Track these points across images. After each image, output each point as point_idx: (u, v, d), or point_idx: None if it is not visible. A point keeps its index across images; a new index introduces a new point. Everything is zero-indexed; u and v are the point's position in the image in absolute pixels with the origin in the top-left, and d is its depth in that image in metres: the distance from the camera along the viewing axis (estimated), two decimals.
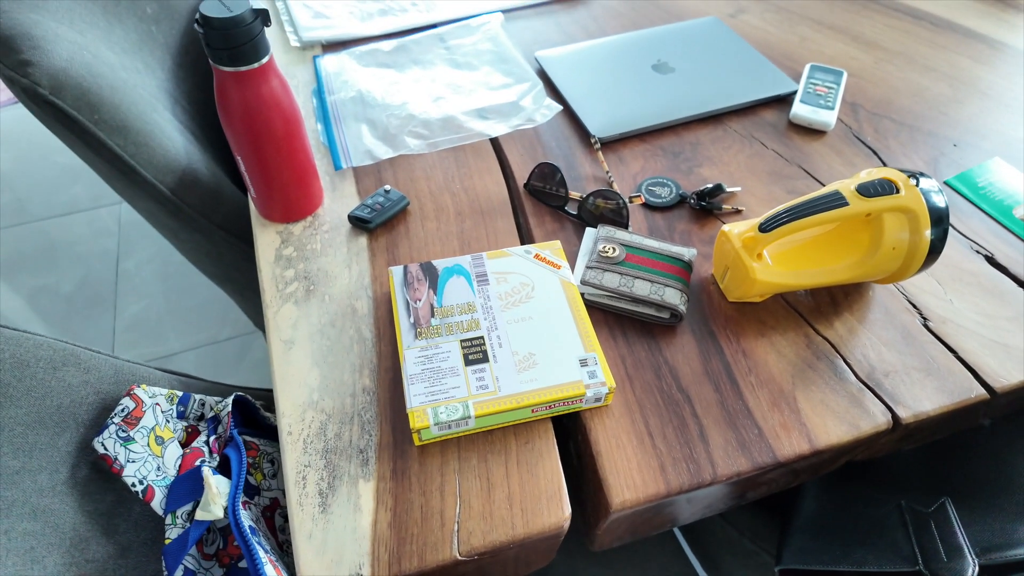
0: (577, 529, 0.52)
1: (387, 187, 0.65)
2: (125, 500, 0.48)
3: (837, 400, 0.52)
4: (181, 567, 0.41)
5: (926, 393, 0.53)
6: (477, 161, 0.72)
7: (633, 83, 0.78)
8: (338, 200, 0.67)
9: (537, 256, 0.58)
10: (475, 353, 0.51)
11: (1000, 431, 0.59)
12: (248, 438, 0.53)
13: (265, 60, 0.53)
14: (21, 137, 1.98)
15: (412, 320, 0.53)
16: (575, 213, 0.65)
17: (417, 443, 0.49)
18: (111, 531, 0.46)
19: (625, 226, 0.63)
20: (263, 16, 0.51)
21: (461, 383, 0.49)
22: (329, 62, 0.82)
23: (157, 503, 0.44)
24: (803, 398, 0.52)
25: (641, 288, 0.56)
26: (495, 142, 0.74)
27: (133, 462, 0.44)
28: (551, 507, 0.46)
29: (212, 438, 0.50)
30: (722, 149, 0.73)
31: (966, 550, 0.49)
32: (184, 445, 0.49)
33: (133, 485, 0.44)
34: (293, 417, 0.51)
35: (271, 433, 0.57)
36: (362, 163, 0.69)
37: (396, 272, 0.57)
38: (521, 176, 0.70)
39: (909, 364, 0.55)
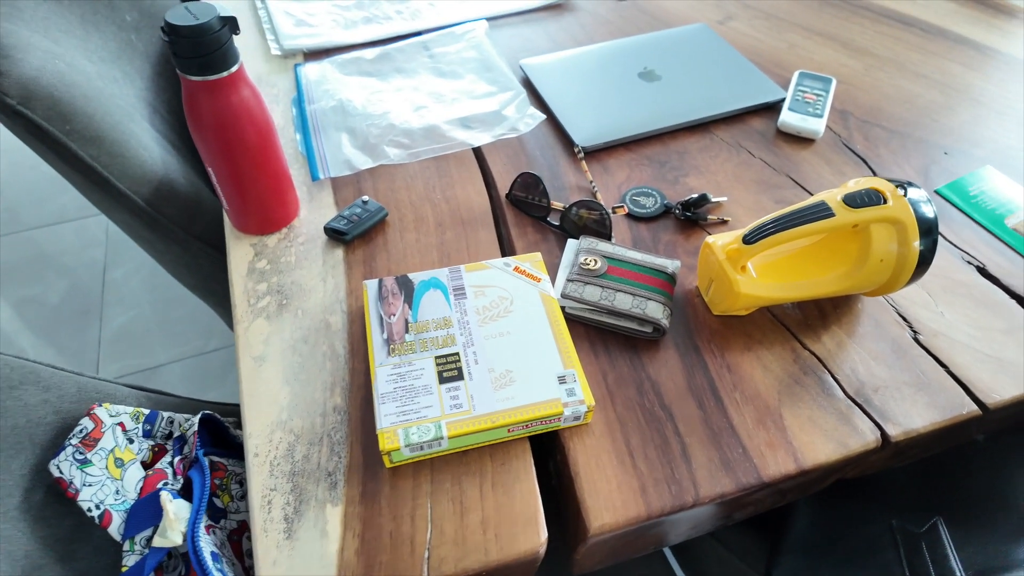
0: (559, 551, 0.50)
1: (365, 198, 0.64)
2: (85, 525, 0.46)
3: (825, 417, 0.51)
4: None
5: (916, 409, 0.51)
6: (459, 171, 0.70)
7: (619, 91, 0.77)
8: (315, 211, 0.65)
9: (517, 269, 0.57)
10: (450, 370, 0.49)
11: (995, 447, 0.57)
12: (216, 458, 0.52)
13: (234, 69, 0.51)
14: (10, 146, 1.96)
15: (385, 336, 0.51)
16: (558, 224, 0.63)
17: (388, 465, 0.47)
18: (68, 557, 0.44)
19: (608, 237, 0.61)
20: (231, 24, 0.50)
21: (434, 402, 0.48)
22: (311, 70, 0.81)
23: (115, 528, 0.42)
24: (790, 415, 0.51)
25: (623, 302, 0.54)
26: (478, 152, 0.73)
27: (90, 486, 0.42)
28: (527, 531, 0.45)
29: (177, 459, 0.48)
30: (709, 158, 0.71)
31: (958, 573, 0.47)
32: (149, 465, 0.47)
33: (89, 510, 0.42)
34: (260, 438, 0.49)
35: (242, 452, 0.56)
36: (340, 173, 0.68)
37: (370, 286, 0.55)
38: (504, 186, 0.68)
39: (899, 379, 0.53)
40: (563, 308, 0.56)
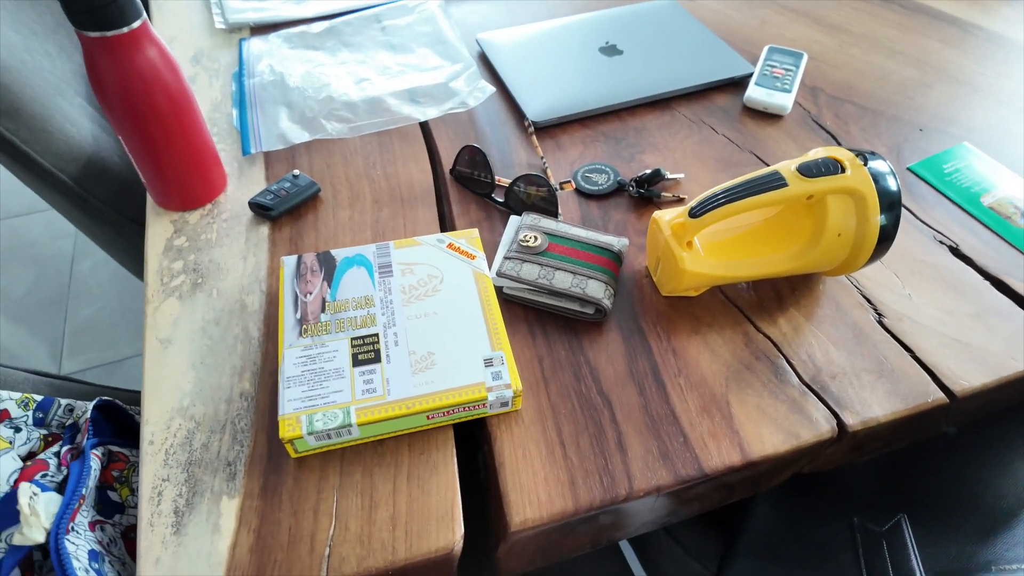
0: (486, 551, 0.46)
1: (296, 172, 0.60)
2: None
3: (776, 405, 0.46)
4: None
5: (876, 397, 0.47)
6: (403, 147, 0.66)
7: (577, 66, 0.73)
8: (243, 187, 0.61)
9: (451, 246, 0.53)
10: (366, 352, 0.45)
11: (964, 442, 0.53)
12: (117, 448, 0.47)
13: (136, 25, 0.47)
14: None
15: (299, 315, 0.47)
16: (502, 201, 0.59)
17: (293, 455, 0.43)
18: None
19: (555, 215, 0.57)
20: None
21: (345, 386, 0.43)
22: (255, 45, 0.77)
23: None
24: (737, 402, 0.47)
25: (562, 280, 0.50)
26: (424, 127, 0.69)
27: None
28: (441, 528, 0.40)
29: (65, 448, 0.44)
30: (669, 135, 0.67)
31: (918, 574, 0.43)
32: (31, 457, 0.43)
33: None
34: (158, 425, 0.45)
35: None
36: (274, 147, 0.64)
37: (288, 262, 0.51)
38: (448, 162, 0.64)
39: (859, 365, 0.49)
40: (500, 288, 0.52)
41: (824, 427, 0.45)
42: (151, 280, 0.53)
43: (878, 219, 0.47)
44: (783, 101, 0.69)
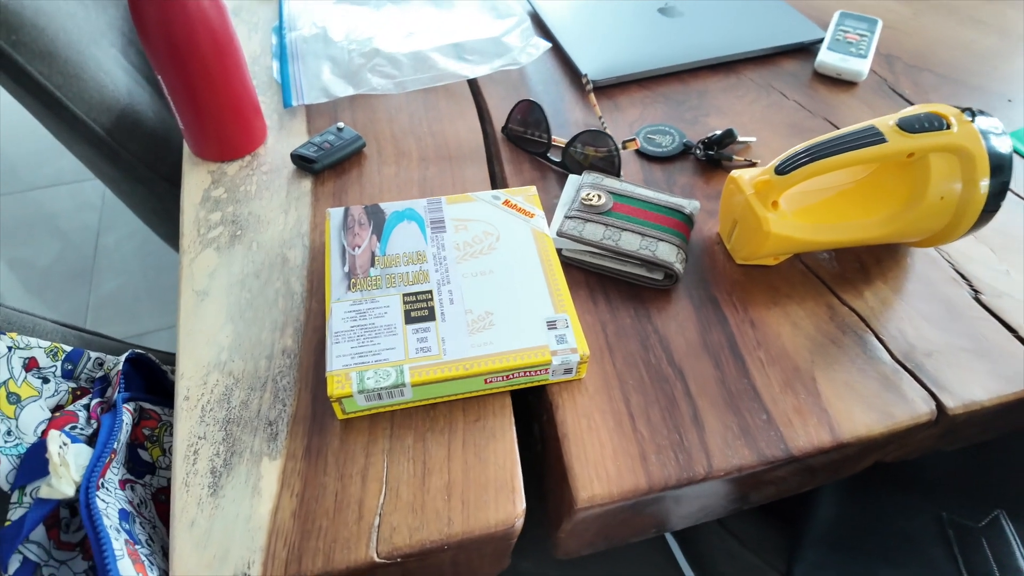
0: (540, 531, 0.42)
1: (340, 124, 0.56)
2: None
3: (866, 383, 0.42)
4: (18, 557, 0.32)
5: (977, 379, 0.42)
6: (450, 104, 0.62)
7: (635, 26, 0.69)
8: (284, 140, 0.58)
9: (507, 203, 0.49)
10: (419, 309, 0.42)
11: None
12: (149, 406, 0.44)
13: None
14: (11, 106, 1.92)
15: (347, 269, 0.44)
16: (558, 161, 0.55)
17: (340, 416, 0.39)
18: None
19: (617, 177, 0.53)
20: None
21: (398, 343, 0.40)
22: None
23: (2, 475, 0.35)
24: (824, 379, 0.42)
25: (629, 242, 0.46)
26: (473, 84, 0.65)
27: None
28: (500, 500, 0.37)
29: (95, 401, 0.41)
30: (734, 98, 0.63)
31: None
32: (57, 409, 0.40)
33: None
34: (194, 380, 0.41)
35: None
36: (316, 100, 0.60)
37: (334, 214, 0.47)
38: (499, 121, 0.60)
39: (956, 344, 0.44)
40: (559, 250, 0.48)
41: (922, 408, 0.41)
42: (187, 231, 0.50)
43: (986, 183, 0.43)
44: (858, 67, 0.64)
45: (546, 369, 0.40)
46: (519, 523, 0.37)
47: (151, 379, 0.47)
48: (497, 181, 0.56)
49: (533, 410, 0.44)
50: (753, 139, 0.58)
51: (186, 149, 0.57)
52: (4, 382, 0.37)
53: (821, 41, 0.68)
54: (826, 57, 0.65)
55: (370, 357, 0.39)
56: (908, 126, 0.43)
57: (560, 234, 0.47)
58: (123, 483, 0.39)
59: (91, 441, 0.38)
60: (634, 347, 0.44)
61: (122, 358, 0.43)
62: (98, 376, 0.44)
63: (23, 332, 0.43)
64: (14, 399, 0.37)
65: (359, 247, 0.45)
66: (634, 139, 0.53)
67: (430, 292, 0.43)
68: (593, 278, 0.48)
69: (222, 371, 0.42)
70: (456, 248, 0.46)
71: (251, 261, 0.48)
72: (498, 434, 0.40)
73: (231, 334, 0.44)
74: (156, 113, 0.72)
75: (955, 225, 0.45)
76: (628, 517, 0.41)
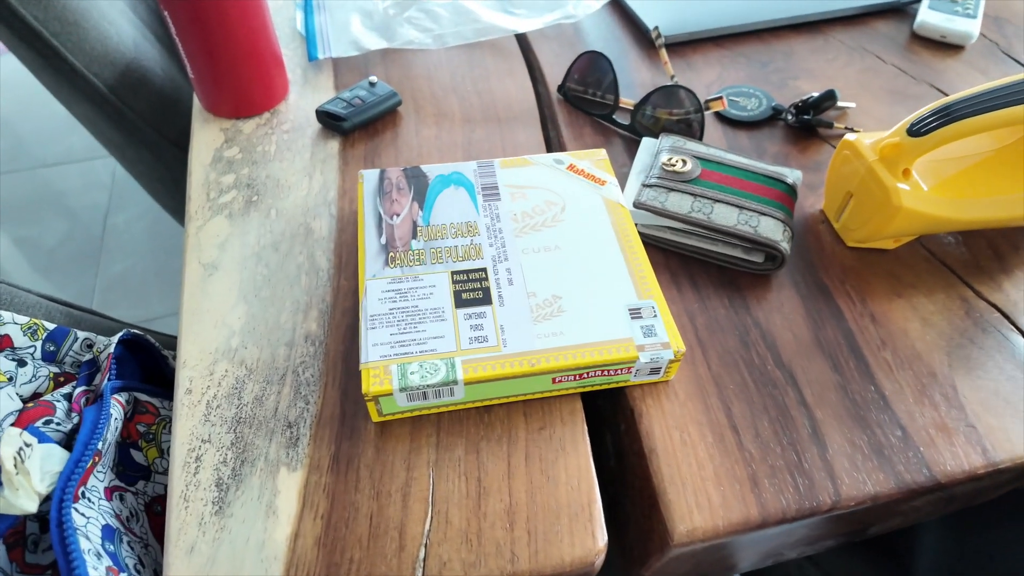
0: (615, 564, 0.35)
1: (372, 78, 0.49)
2: None
3: (1019, 393, 0.34)
4: None
5: None
6: (497, 61, 0.55)
7: None
8: (308, 96, 0.50)
9: (572, 168, 0.41)
10: (472, 291, 0.34)
11: None
12: (145, 397, 0.37)
13: None
14: (22, 81, 1.87)
15: (384, 241, 0.36)
16: (627, 124, 0.47)
17: (375, 418, 0.32)
18: None
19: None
20: None
21: (448, 331, 0.32)
22: None
23: None
24: (968, 387, 0.34)
25: (724, 215, 0.38)
26: (522, 40, 0.57)
27: None
28: (575, 531, 0.29)
29: (79, 390, 0.34)
30: (824, 61, 0.54)
31: None
32: (36, 399, 0.33)
33: None
34: (198, 369, 0.34)
35: None
36: (345, 54, 0.53)
37: (368, 176, 0.40)
38: (554, 79, 0.52)
39: None
40: (635, 225, 0.40)
41: None
42: (195, 194, 0.43)
43: None
44: (967, 27, 0.55)
45: (629, 368, 0.32)
46: (599, 561, 0.29)
47: (150, 365, 0.40)
48: (553, 147, 0.49)
49: (605, 416, 0.37)
50: (852, 105, 0.49)
51: (196, 104, 0.49)
52: None
53: (918, 1, 0.59)
54: (928, 17, 0.56)
55: (414, 347, 0.32)
56: None
57: (637, 205, 0.39)
58: (111, 491, 0.32)
59: (70, 441, 0.31)
60: (732, 343, 0.36)
61: (115, 339, 0.36)
62: (85, 360, 0.37)
63: (8, 308, 0.37)
64: None
65: (398, 215, 0.38)
66: (720, 97, 0.45)
67: (484, 270, 0.35)
68: (675, 259, 0.40)
69: (232, 360, 0.35)
70: (513, 219, 0.38)
71: (269, 231, 0.41)
72: (569, 446, 0.32)
73: (244, 315, 0.36)
74: (165, 71, 0.65)
75: None
76: (727, 554, 0.33)
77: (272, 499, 0.30)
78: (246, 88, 0.47)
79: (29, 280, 1.39)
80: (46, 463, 0.27)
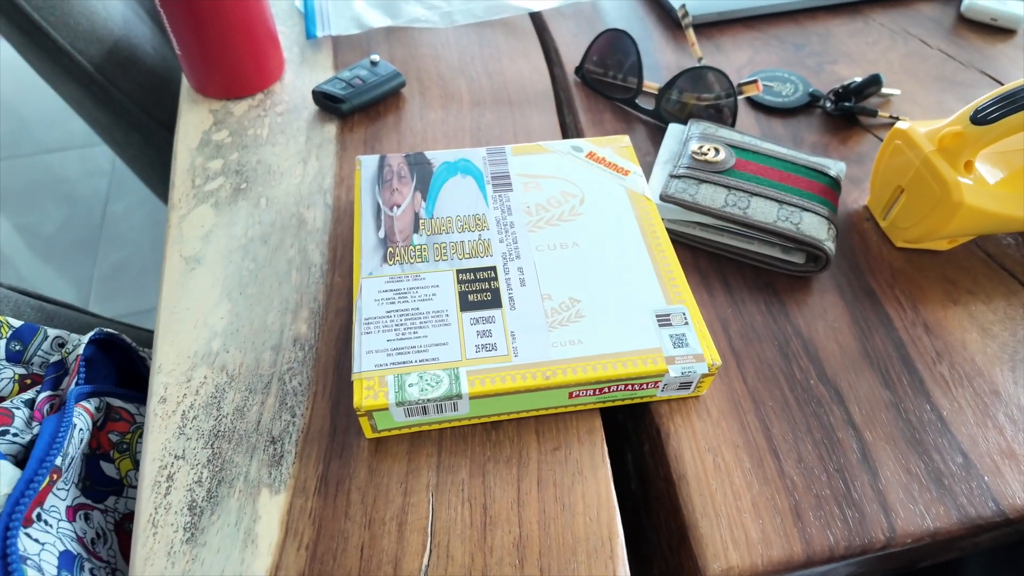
0: None
1: (375, 57, 0.45)
2: None
3: None
4: None
5: None
6: (509, 41, 0.51)
7: None
8: (304, 76, 0.47)
9: (592, 156, 0.37)
10: (479, 292, 0.30)
11: None
12: (119, 403, 0.34)
13: None
14: (23, 66, 1.84)
15: (383, 234, 0.33)
16: (651, 109, 0.44)
17: (369, 435, 0.29)
18: None
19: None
20: None
21: (451, 337, 0.29)
22: None
23: None
24: None
25: (762, 211, 0.34)
26: (537, 19, 0.53)
27: None
28: (594, 567, 0.26)
29: (44, 395, 0.30)
30: (865, 45, 0.50)
31: None
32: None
33: None
34: (174, 375, 0.31)
35: None
36: (346, 31, 0.49)
37: (367, 163, 0.36)
38: (571, 61, 0.48)
39: None
40: (663, 219, 0.36)
41: None
42: (179, 181, 0.39)
43: None
44: (1021, 10, 0.51)
45: (656, 382, 0.29)
46: None
47: (126, 366, 0.37)
48: (570, 133, 0.45)
49: (626, 434, 0.33)
50: (897, 92, 0.45)
51: (184, 84, 0.46)
52: None
53: None
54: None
55: (413, 355, 0.28)
56: None
57: (664, 198, 0.35)
58: (74, 510, 0.28)
59: (30, 452, 0.28)
60: (770, 354, 0.32)
61: (84, 338, 0.33)
62: (53, 361, 0.34)
63: None
64: None
65: (398, 206, 0.34)
66: (754, 80, 0.41)
67: (493, 269, 0.31)
68: (704, 259, 0.36)
69: (212, 365, 0.31)
70: (527, 212, 0.34)
71: (258, 222, 0.37)
72: (587, 470, 0.28)
73: (227, 315, 0.33)
74: (156, 50, 0.62)
75: None
76: None
77: (251, 525, 0.26)
78: (238, 66, 0.43)
79: (28, 267, 1.36)
80: None
